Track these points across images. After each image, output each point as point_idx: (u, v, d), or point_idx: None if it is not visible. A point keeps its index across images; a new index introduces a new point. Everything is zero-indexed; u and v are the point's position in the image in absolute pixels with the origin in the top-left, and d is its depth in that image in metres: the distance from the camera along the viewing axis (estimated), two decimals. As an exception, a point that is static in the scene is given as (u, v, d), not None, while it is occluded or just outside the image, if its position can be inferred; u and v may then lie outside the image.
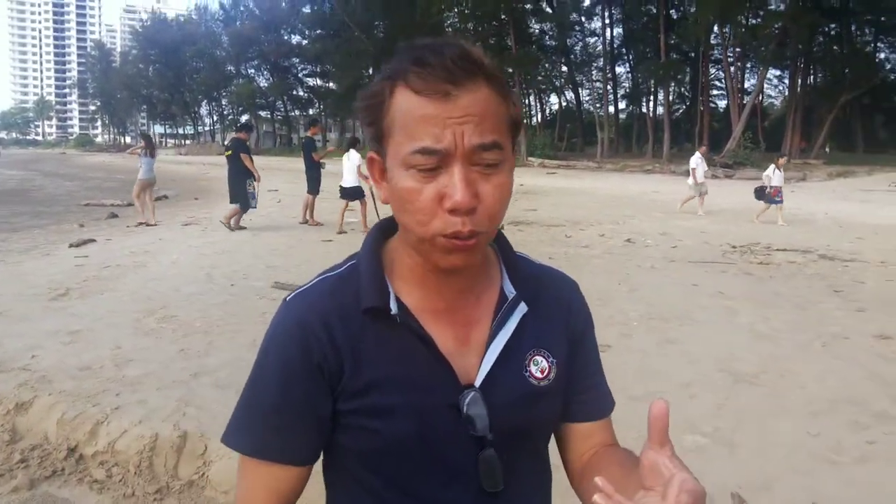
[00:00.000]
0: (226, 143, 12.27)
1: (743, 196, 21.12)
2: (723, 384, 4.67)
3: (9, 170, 45.29)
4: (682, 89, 60.46)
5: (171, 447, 3.50)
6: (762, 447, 3.71)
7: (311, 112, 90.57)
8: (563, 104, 72.17)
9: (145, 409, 3.86)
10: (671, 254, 10.89)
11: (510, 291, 1.04)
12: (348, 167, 12.76)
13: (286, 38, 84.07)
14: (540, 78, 62.15)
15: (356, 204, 12.94)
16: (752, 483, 3.32)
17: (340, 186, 12.88)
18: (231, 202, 13.00)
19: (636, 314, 6.67)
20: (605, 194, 24.54)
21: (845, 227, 14.92)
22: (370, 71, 71.79)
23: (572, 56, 60.97)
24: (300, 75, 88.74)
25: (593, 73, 61.24)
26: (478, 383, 0.98)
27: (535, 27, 59.39)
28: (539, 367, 1.03)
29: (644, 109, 59.04)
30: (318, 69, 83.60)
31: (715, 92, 57.31)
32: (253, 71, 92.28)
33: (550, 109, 73.82)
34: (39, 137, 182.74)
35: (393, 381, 0.96)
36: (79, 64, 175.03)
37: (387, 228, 1.06)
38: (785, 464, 3.57)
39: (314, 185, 13.77)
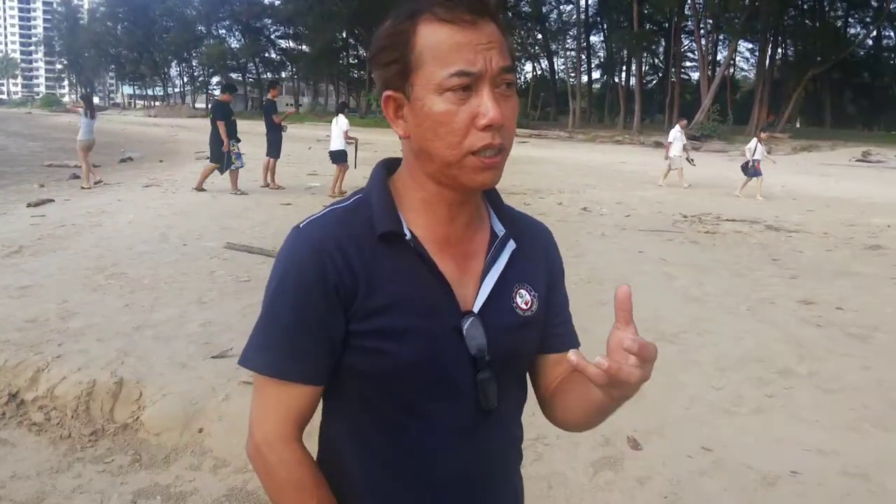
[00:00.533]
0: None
1: (709, 168, 21.53)
2: (643, 342, 4.96)
3: (-32, 129, 44.37)
4: (656, 60, 60.71)
5: (108, 393, 3.69)
6: (665, 398, 3.99)
7: (283, 75, 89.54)
8: (537, 73, 72.13)
9: (85, 357, 4.04)
10: (623, 222, 11.18)
11: (500, 230, 1.13)
12: (336, 132, 12.79)
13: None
14: (515, 46, 62.02)
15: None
16: (648, 429, 3.60)
17: (329, 151, 12.89)
18: (210, 161, 12.87)
19: (577, 278, 6.92)
20: (572, 164, 24.79)
21: (799, 199, 15.35)
22: (343, 34, 70.86)
23: (547, 24, 60.80)
24: (272, 37, 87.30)
25: (568, 41, 61.20)
26: (476, 309, 1.06)
27: (510, -6, 59.00)
28: (524, 299, 1.11)
29: (617, 80, 59.20)
30: (291, 31, 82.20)
31: (688, 64, 57.61)
32: (224, 32, 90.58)
33: (525, 78, 73.67)
34: (4, 97, 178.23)
35: (404, 304, 1.02)
36: (45, 21, 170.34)
37: (390, 165, 1.12)
38: (684, 413, 3.86)
39: (275, 149, 13.79)
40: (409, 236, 1.03)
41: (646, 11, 50.82)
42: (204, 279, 5.98)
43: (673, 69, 50.74)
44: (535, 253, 1.17)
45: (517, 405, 1.17)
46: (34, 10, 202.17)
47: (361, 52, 74.66)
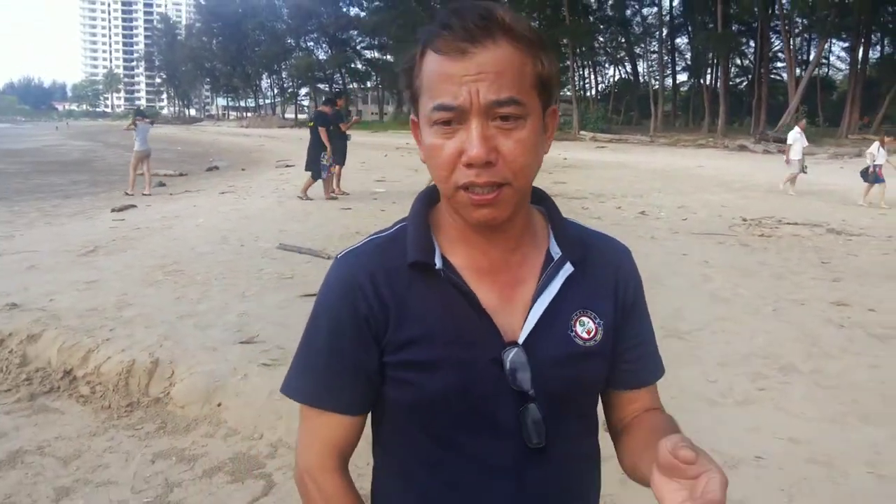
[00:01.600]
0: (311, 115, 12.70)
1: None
2: (652, 338, 5.13)
3: (76, 140, 47.52)
4: (747, 61, 58.98)
5: (145, 371, 4.20)
6: (661, 389, 4.18)
7: (368, 84, 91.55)
8: (621, 77, 71.27)
9: (131, 341, 4.58)
10: (678, 226, 11.19)
11: (556, 252, 1.05)
12: None
13: (345, 10, 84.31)
14: (598, 47, 61.53)
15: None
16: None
17: None
18: (305, 170, 13.51)
19: (609, 278, 7.10)
20: (646, 168, 24.56)
21: (876, 202, 14.86)
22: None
23: (631, 27, 60.03)
24: (358, 48, 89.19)
25: (652, 44, 60.26)
26: (521, 340, 1.00)
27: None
28: (585, 327, 1.04)
29: (707, 82, 57.89)
30: (376, 41, 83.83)
31: (780, 64, 55.75)
32: (312, 44, 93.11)
33: (608, 82, 72.96)
34: (108, 109, 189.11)
35: (436, 335, 0.99)
36: (146, 37, 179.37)
37: (434, 191, 1.07)
38: (667, 401, 4.03)
39: (341, 156, 14.34)
40: (439, 265, 1.00)
41: (732, 11, 49.56)
42: (251, 276, 6.51)
43: (762, 70, 49.22)
44: (603, 276, 1.09)
45: (581, 445, 1.10)
46: (136, 28, 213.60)
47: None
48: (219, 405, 3.92)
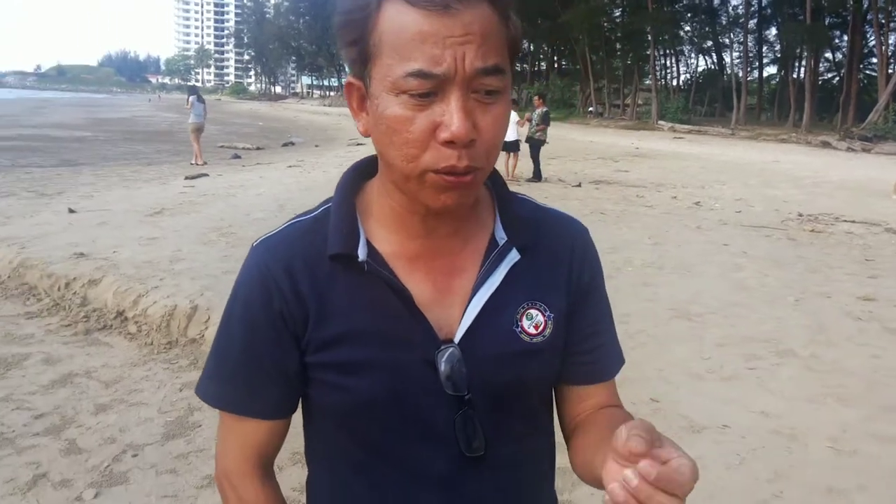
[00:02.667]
0: None
1: (875, 171, 20.30)
2: (659, 318, 5.37)
3: (166, 112, 49.71)
4: (840, 55, 56.69)
5: (184, 315, 4.73)
6: (645, 361, 4.45)
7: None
8: (706, 67, 69.48)
9: (176, 289, 5.13)
10: (730, 217, 11.19)
11: (501, 237, 0.94)
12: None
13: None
14: (683, 36, 60.17)
15: None
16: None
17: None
18: None
19: (639, 262, 7.32)
20: (719, 161, 24.16)
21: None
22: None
23: (718, 17, 58.40)
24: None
25: (738, 35, 58.52)
26: (457, 338, 0.90)
27: (677, -16, 57.26)
28: (533, 321, 0.93)
29: (796, 75, 55.92)
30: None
31: (874, 60, 53.37)
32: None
33: (693, 72, 71.23)
34: (199, 84, 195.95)
35: (363, 334, 0.89)
36: (236, 15, 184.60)
37: (365, 168, 0.97)
38: (654, 373, 4.31)
39: None
40: (363, 258, 0.88)
41: (823, 3, 47.69)
42: (296, 241, 7.02)
43: (854, 65, 47.26)
44: (554, 262, 0.97)
45: (529, 449, 0.99)
46: (227, 6, 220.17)
47: (525, 45, 75.62)
48: (244, 348, 4.40)
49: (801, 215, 11.85)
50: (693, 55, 67.54)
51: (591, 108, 55.98)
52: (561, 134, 33.82)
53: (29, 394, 3.81)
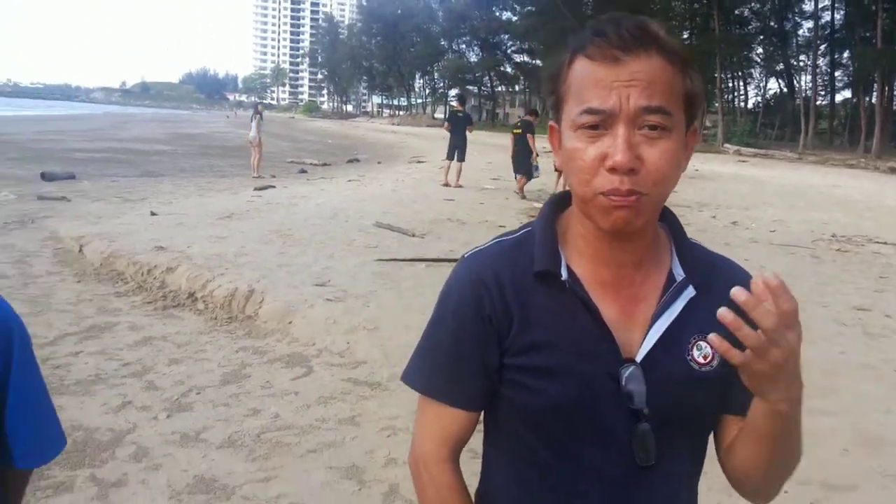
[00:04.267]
0: (517, 122, 14.77)
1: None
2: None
3: (241, 129, 51.85)
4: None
5: (243, 297, 5.71)
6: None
7: (516, 88, 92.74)
8: (776, 90, 68.53)
9: (238, 277, 6.12)
10: (762, 236, 11.64)
11: (679, 274, 1.04)
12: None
13: (497, 14, 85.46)
14: (752, 59, 59.66)
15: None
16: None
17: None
18: (515, 172, 15.07)
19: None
20: (775, 184, 24.22)
21: None
22: (576, 49, 72.28)
23: (789, 39, 57.70)
24: (508, 52, 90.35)
25: (808, 58, 57.68)
26: (639, 359, 1.00)
27: (746, 8, 56.89)
28: (702, 352, 1.02)
29: (871, 100, 54.70)
30: (526, 46, 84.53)
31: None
32: (464, 46, 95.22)
33: (763, 95, 70.32)
34: (274, 102, 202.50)
35: (556, 344, 1.00)
36: (311, 35, 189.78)
37: (562, 200, 1.09)
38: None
39: (463, 153, 15.77)
40: (565, 276, 1.01)
41: (897, 26, 46.71)
42: (344, 243, 7.96)
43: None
44: (723, 302, 0.96)
45: (691, 466, 1.09)
46: (303, 26, 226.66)
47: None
48: (289, 323, 5.33)
49: (833, 236, 12.16)
50: (763, 77, 66.74)
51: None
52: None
53: (118, 349, 4.81)
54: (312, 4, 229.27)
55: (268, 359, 4.76)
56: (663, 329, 1.01)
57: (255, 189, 13.55)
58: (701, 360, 1.02)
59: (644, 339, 1.01)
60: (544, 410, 1.01)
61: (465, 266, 1.08)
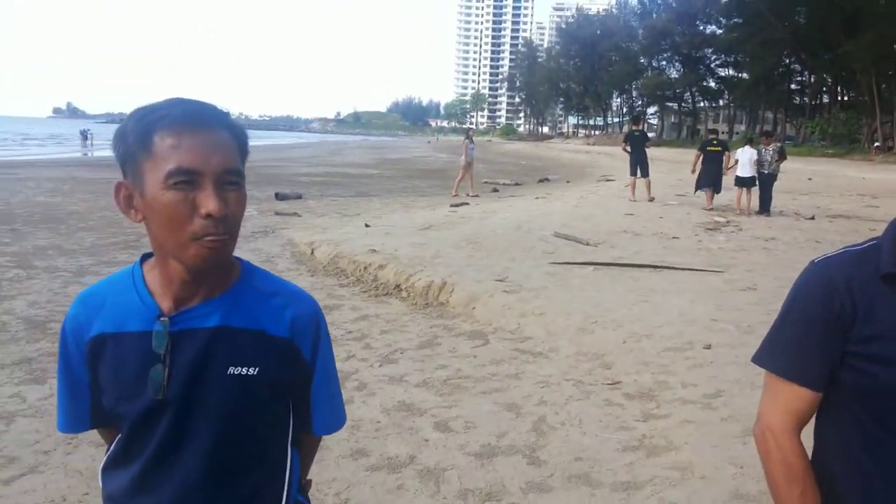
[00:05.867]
0: (713, 140, 16.01)
1: None
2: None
3: (441, 153, 55.18)
4: None
5: (438, 287, 7.03)
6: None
7: (720, 102, 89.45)
8: None
9: (434, 273, 7.48)
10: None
11: None
12: (744, 159, 15.16)
13: (700, 28, 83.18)
14: None
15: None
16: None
17: (737, 176, 15.27)
18: (701, 188, 15.84)
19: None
20: None
21: None
22: (785, 59, 68.83)
23: None
24: (712, 66, 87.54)
25: None
26: None
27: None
28: None
29: None
30: (731, 59, 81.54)
31: None
32: (664, 63, 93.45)
33: None
34: (473, 126, 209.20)
35: (894, 336, 1.16)
36: (510, 60, 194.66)
37: None
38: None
39: (646, 169, 16.42)
40: None
41: None
42: (524, 249, 9.12)
43: None
44: None
45: None
46: (503, 52, 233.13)
47: (804, 77, 71.72)
48: (473, 308, 6.56)
49: None
50: None
51: (876, 143, 51.79)
52: (834, 170, 32.50)
53: (343, 322, 6.29)
54: (513, 32, 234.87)
55: (454, 333, 6.01)
56: None
57: (451, 206, 15.12)
58: None
59: None
60: (880, 391, 1.18)
61: (815, 270, 1.29)
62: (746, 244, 10.42)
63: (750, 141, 16.20)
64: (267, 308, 1.31)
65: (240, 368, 1.25)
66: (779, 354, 1.31)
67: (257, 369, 1.26)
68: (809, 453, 1.34)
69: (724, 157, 15.55)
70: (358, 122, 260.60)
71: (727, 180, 15.59)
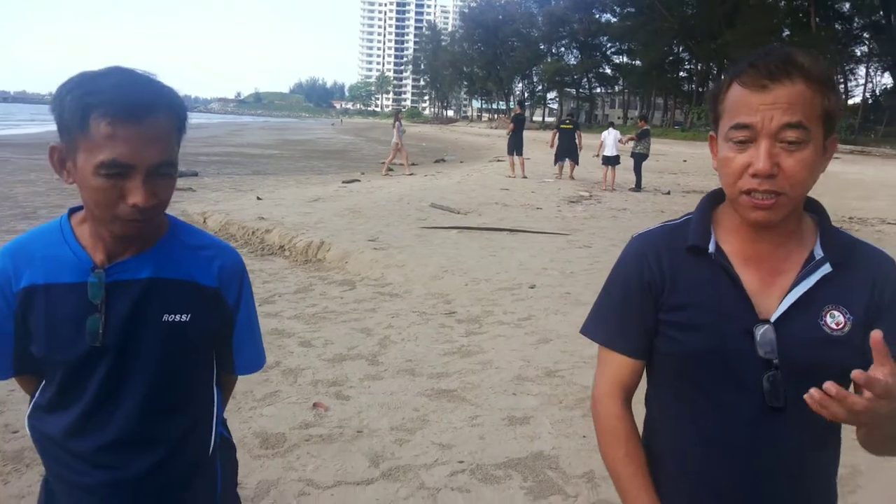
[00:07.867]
0: (566, 120, 19.17)
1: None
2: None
3: (344, 135, 55.67)
4: None
5: (316, 246, 8.07)
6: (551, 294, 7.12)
7: (615, 88, 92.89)
8: (885, 87, 66.21)
9: (314, 234, 8.49)
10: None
11: (819, 254, 1.24)
12: (609, 140, 16.91)
13: (596, 16, 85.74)
14: (858, 55, 58.31)
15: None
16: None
17: (604, 156, 16.94)
18: (559, 160, 18.52)
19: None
20: (844, 178, 24.65)
21: None
22: (675, 48, 72.37)
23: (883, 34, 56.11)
24: (607, 53, 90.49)
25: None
26: (773, 319, 1.22)
27: (846, 2, 55.81)
28: (835, 319, 1.22)
29: None
30: (625, 47, 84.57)
31: None
32: (563, 49, 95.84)
33: (873, 91, 67.97)
34: (378, 109, 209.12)
35: (700, 305, 1.26)
36: (414, 44, 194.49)
37: (720, 194, 1.33)
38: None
39: (520, 148, 18.09)
40: (712, 250, 1.27)
41: None
42: (400, 217, 10.24)
43: None
44: (861, 279, 1.25)
45: (822, 421, 1.11)
46: (407, 35, 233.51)
47: (692, 65, 75.48)
48: (346, 262, 7.63)
49: (850, 218, 13.31)
50: (877, 73, 64.58)
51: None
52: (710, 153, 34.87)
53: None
54: (416, 14, 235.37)
55: (327, 282, 7.06)
56: (798, 296, 1.22)
57: (343, 182, 16.06)
58: (833, 325, 1.22)
59: (780, 304, 1.23)
60: (686, 357, 1.28)
61: (632, 244, 1.40)
62: (598, 213, 11.87)
63: (611, 124, 18.37)
64: (196, 260, 1.41)
65: (173, 316, 1.35)
66: (602, 325, 1.41)
67: (189, 316, 1.36)
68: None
69: (576, 135, 18.19)
70: (259, 102, 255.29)
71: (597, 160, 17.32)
